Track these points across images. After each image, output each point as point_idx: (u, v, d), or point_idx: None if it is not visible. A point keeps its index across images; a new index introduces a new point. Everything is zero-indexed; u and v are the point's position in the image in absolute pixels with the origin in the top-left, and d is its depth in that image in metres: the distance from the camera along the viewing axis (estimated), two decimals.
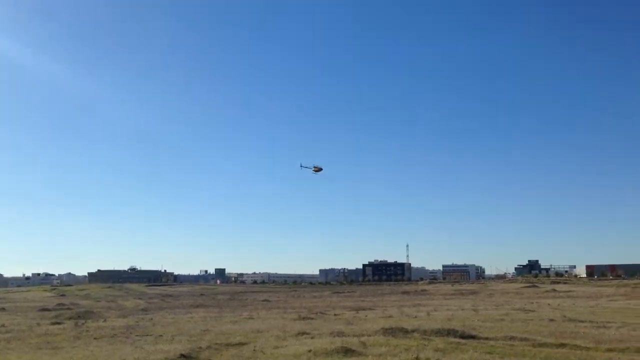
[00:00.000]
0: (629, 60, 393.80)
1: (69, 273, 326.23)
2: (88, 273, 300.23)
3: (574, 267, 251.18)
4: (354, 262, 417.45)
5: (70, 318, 52.35)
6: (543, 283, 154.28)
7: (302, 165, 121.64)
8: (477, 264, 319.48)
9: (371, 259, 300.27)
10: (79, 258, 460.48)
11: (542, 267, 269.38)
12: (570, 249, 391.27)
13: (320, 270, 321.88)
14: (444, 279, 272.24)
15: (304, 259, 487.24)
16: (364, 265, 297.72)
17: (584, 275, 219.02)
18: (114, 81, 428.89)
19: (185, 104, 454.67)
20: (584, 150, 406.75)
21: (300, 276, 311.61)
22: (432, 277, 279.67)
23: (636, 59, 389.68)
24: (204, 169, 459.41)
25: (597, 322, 37.42)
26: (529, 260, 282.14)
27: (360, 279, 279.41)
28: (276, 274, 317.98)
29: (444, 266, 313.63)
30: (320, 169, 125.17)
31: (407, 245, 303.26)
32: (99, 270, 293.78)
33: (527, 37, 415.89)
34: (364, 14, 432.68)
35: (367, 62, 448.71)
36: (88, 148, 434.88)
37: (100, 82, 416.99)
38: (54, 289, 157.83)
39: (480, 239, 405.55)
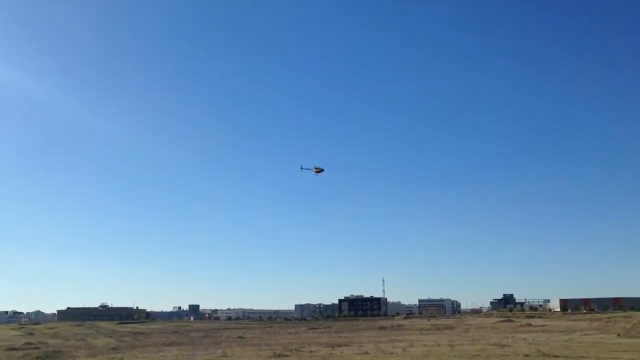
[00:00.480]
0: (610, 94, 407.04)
1: (38, 311, 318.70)
2: (57, 311, 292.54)
3: (548, 301, 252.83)
4: (330, 297, 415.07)
5: (38, 358, 50.97)
6: (518, 317, 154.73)
7: (303, 167, 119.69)
8: (453, 299, 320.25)
9: (347, 293, 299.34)
10: (48, 295, 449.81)
11: (516, 301, 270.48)
12: (544, 283, 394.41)
13: (296, 306, 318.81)
14: (420, 313, 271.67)
15: (279, 294, 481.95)
16: (339, 301, 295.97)
17: (558, 309, 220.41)
18: (94, 110, 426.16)
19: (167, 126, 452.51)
20: (557, 184, 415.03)
21: (276, 312, 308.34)
22: (409, 312, 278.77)
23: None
24: (177, 203, 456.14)
25: (571, 357, 37.63)
26: (504, 295, 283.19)
27: (336, 314, 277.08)
28: (251, 309, 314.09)
29: (420, 301, 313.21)
30: (322, 170, 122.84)
31: (383, 280, 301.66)
32: (68, 307, 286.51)
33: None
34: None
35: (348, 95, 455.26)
36: (57, 182, 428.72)
37: (82, 109, 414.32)
38: (22, 327, 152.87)
39: (455, 273, 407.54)
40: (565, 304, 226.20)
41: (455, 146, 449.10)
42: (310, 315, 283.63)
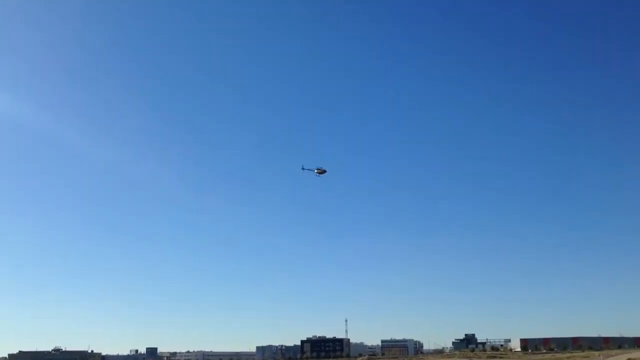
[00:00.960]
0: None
1: None
2: (8, 354, 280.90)
3: (509, 340, 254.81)
4: (292, 339, 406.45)
5: None
6: (480, 357, 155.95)
7: (304, 167, 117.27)
8: (415, 339, 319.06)
9: (309, 334, 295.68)
10: None
11: (478, 341, 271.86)
12: (505, 323, 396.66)
13: (258, 348, 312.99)
14: (382, 354, 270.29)
15: (240, 335, 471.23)
16: (302, 342, 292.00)
17: (519, 348, 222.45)
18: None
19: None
20: (514, 225, 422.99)
21: (237, 354, 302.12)
22: (371, 353, 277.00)
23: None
24: (133, 243, 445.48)
25: None
26: (465, 334, 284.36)
27: (299, 355, 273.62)
28: (211, 352, 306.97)
29: (382, 341, 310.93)
30: (324, 171, 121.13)
31: (346, 320, 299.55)
32: (20, 351, 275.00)
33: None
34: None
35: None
36: (9, 222, 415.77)
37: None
38: None
39: (418, 313, 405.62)
40: (525, 344, 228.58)
41: (416, 187, 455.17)
42: (272, 357, 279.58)
